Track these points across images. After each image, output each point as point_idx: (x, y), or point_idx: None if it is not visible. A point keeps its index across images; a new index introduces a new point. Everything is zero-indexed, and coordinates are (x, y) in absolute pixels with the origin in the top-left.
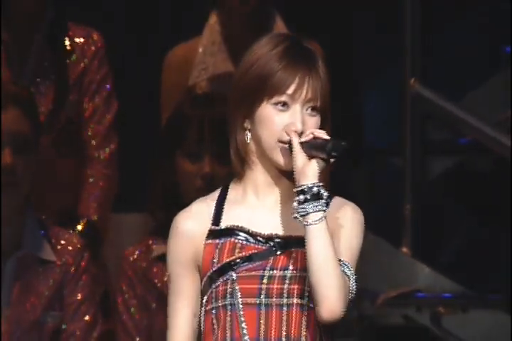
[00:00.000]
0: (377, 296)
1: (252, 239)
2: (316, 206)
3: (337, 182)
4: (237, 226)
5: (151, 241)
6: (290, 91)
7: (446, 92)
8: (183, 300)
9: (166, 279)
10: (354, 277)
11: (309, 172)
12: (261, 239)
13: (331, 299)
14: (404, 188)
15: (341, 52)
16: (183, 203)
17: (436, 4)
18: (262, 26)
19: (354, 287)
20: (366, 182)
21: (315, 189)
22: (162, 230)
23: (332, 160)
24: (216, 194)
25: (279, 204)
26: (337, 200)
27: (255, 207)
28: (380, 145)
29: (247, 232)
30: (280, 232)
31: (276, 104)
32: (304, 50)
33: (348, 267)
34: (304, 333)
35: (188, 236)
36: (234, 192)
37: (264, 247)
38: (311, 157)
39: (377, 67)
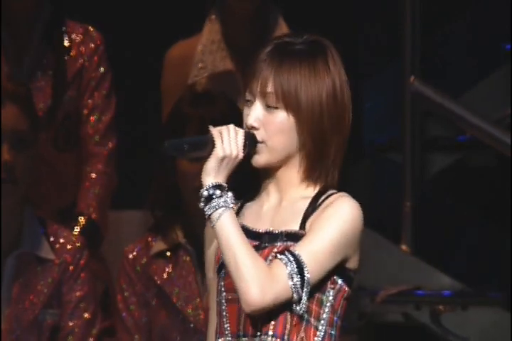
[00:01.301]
0: (377, 294)
1: (247, 236)
2: (210, 208)
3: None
4: (240, 224)
5: (150, 239)
6: (249, 85)
7: (446, 90)
8: (212, 300)
9: (165, 276)
10: (299, 268)
11: (202, 175)
12: (255, 235)
13: (244, 292)
14: (403, 185)
15: (342, 51)
16: (183, 202)
17: (436, 2)
18: (262, 25)
19: (298, 279)
20: (365, 178)
21: (204, 193)
22: (161, 228)
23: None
24: (247, 197)
25: (284, 201)
26: (336, 195)
27: (263, 205)
28: (380, 142)
29: (246, 230)
30: (275, 228)
31: (245, 100)
32: (284, 46)
33: (292, 257)
34: (271, 327)
35: (212, 239)
36: (257, 192)
37: (254, 243)
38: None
39: (377, 65)
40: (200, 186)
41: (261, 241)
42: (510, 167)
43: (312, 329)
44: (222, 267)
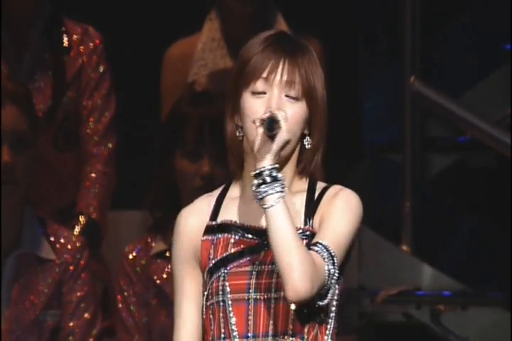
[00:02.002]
0: (377, 294)
1: (245, 234)
2: (272, 189)
3: (336, 179)
4: (231, 221)
5: (149, 239)
6: (264, 74)
7: (446, 90)
8: (187, 298)
9: (165, 276)
10: (332, 260)
11: (262, 155)
12: (255, 232)
13: (292, 279)
14: (403, 185)
15: (342, 50)
16: (182, 202)
17: (436, 2)
18: (262, 25)
19: (333, 270)
20: (365, 178)
21: (267, 172)
22: (160, 228)
23: (275, 137)
24: (219, 190)
25: None
26: (334, 187)
27: (252, 202)
28: (380, 142)
29: (241, 227)
30: None
31: (253, 91)
32: (286, 38)
33: (325, 249)
34: (290, 327)
35: (188, 233)
36: (235, 188)
37: (256, 241)
38: (269, 138)
39: (377, 65)
40: (200, 186)
41: (261, 240)
42: (510, 167)
43: (324, 326)
44: (219, 266)
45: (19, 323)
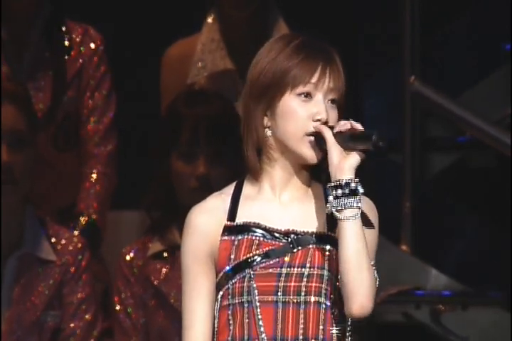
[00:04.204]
0: (377, 294)
1: (268, 235)
2: (352, 202)
3: None
4: (254, 222)
5: (147, 240)
6: (314, 80)
7: (446, 90)
8: (198, 298)
9: (162, 277)
10: (376, 276)
11: (346, 166)
12: (278, 234)
13: (362, 295)
14: (403, 185)
15: (342, 50)
16: (179, 203)
17: (436, 2)
18: (261, 25)
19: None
20: (365, 179)
21: (352, 185)
22: (158, 229)
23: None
24: (231, 189)
25: (295, 200)
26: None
27: (271, 203)
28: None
29: (264, 228)
30: (297, 228)
31: (299, 94)
32: (319, 43)
33: (374, 268)
34: (321, 331)
35: (202, 231)
36: (249, 187)
37: (281, 243)
38: (346, 149)
39: (377, 65)
40: (195, 187)
41: (287, 242)
42: (510, 167)
43: (345, 332)
44: (243, 267)
45: (20, 324)
